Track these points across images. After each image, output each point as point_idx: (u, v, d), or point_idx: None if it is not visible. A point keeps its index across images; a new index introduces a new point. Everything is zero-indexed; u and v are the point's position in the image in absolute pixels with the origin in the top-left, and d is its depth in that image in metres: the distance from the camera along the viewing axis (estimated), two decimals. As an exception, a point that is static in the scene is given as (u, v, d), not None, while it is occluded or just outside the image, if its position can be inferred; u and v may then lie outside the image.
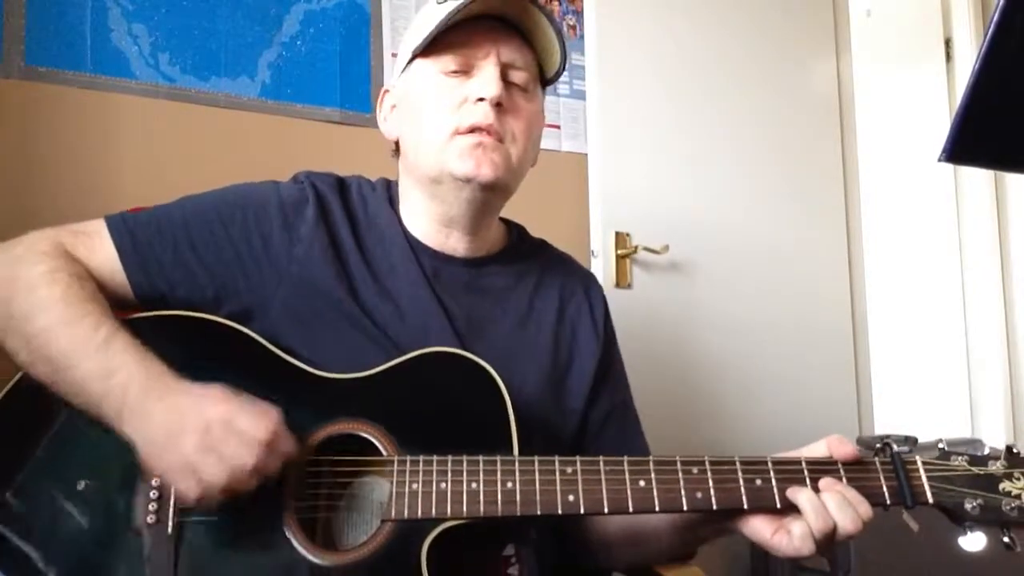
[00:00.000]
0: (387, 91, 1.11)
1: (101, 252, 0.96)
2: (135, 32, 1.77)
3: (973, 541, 0.87)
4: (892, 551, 1.74)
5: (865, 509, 0.85)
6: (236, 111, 1.84)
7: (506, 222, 1.16)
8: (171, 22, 1.80)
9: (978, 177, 2.38)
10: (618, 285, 2.11)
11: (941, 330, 2.41)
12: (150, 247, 0.97)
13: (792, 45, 2.55)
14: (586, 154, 2.17)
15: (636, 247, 2.13)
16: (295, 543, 0.84)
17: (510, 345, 1.04)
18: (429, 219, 1.06)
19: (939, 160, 0.83)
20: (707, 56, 2.35)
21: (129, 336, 0.88)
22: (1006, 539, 0.85)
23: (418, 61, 1.03)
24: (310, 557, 0.83)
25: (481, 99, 0.99)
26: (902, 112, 2.45)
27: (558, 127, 2.20)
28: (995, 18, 0.74)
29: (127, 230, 0.98)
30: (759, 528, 0.86)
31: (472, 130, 0.99)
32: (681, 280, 2.23)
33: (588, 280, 1.17)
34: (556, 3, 2.26)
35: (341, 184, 1.07)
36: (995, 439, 2.20)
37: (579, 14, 2.25)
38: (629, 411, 1.15)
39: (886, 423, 2.35)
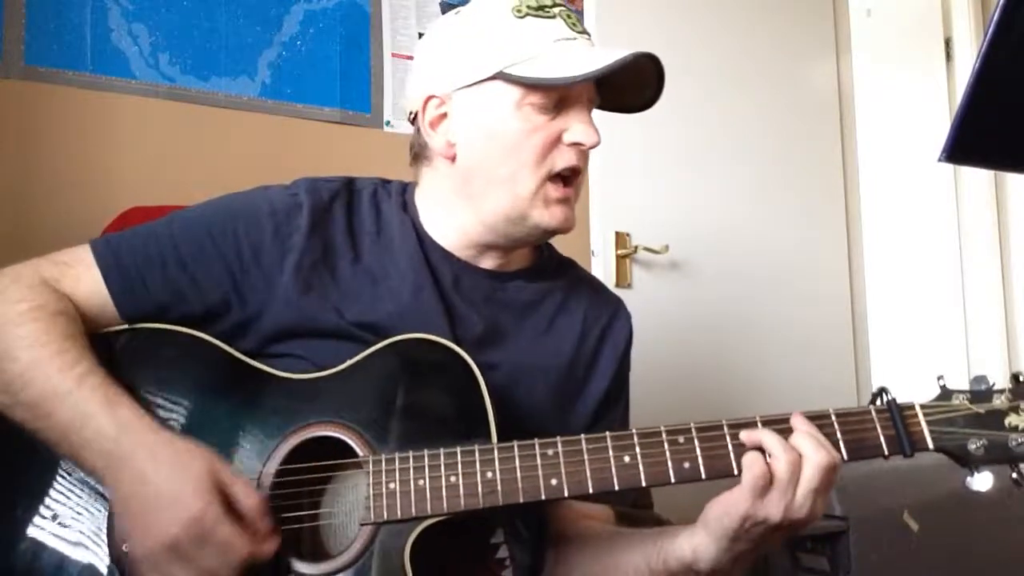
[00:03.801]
0: (433, 96, 0.99)
1: (87, 281, 0.94)
2: (135, 32, 1.77)
3: (981, 481, 0.82)
4: (892, 551, 1.74)
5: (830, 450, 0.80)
6: (236, 111, 1.84)
7: None
8: (171, 22, 1.80)
9: (978, 177, 2.38)
10: (618, 285, 2.11)
11: (941, 329, 2.41)
12: (136, 271, 0.94)
13: (792, 45, 2.55)
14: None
15: (636, 247, 2.13)
16: (277, 555, 0.82)
17: (524, 359, 1.01)
18: (462, 236, 1.02)
19: (939, 160, 0.83)
20: (707, 56, 2.35)
21: (100, 377, 0.86)
22: (1014, 475, 0.81)
23: (500, 83, 0.95)
24: (291, 568, 0.82)
25: (578, 143, 0.96)
26: (902, 112, 2.45)
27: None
28: (995, 17, 0.74)
29: (112, 254, 0.95)
30: (723, 497, 0.81)
31: (563, 175, 0.97)
32: (681, 280, 2.23)
33: (615, 306, 1.13)
34: (556, 3, 2.26)
35: (350, 188, 1.03)
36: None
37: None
38: None
39: (886, 423, 2.35)
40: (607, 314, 1.10)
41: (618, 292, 2.15)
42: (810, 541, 1.78)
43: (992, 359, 2.35)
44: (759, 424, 0.83)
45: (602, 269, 2.08)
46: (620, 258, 2.13)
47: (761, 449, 0.81)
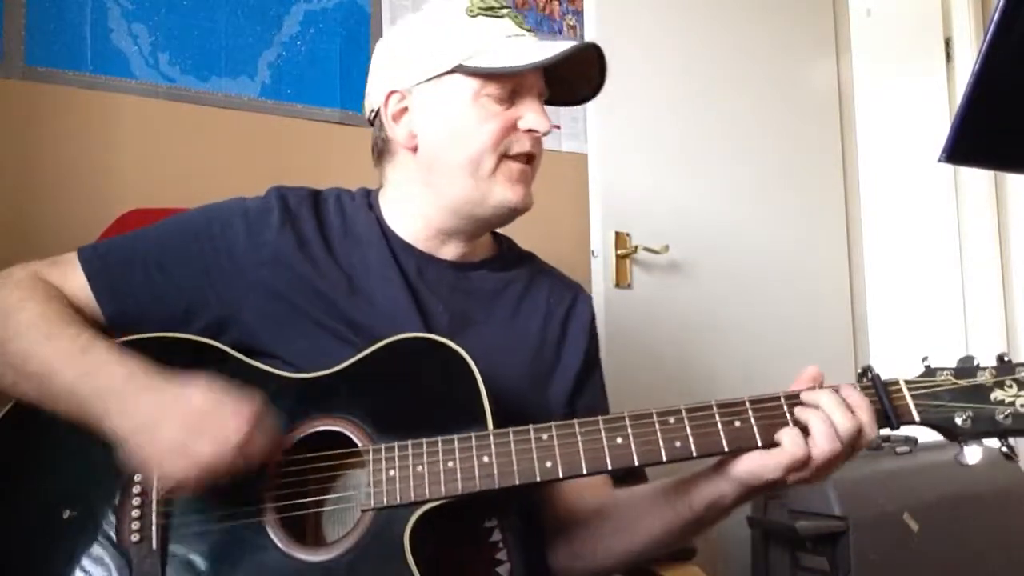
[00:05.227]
0: (395, 92, 1.06)
1: (73, 281, 1.00)
2: (135, 32, 1.77)
3: (970, 455, 0.84)
4: (892, 551, 1.74)
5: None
6: (236, 111, 1.84)
7: (494, 233, 1.18)
8: (171, 22, 1.80)
9: (978, 177, 2.38)
10: (618, 285, 2.11)
11: (941, 330, 2.41)
12: (120, 273, 1.00)
13: (792, 45, 2.55)
14: (586, 154, 2.17)
15: (636, 247, 2.13)
16: (279, 544, 0.84)
17: (494, 344, 1.05)
18: (426, 225, 1.08)
19: (939, 160, 0.83)
20: (707, 56, 2.35)
21: (108, 341, 0.92)
22: (1004, 449, 0.83)
23: (458, 76, 1.02)
24: (293, 556, 0.83)
25: (531, 131, 1.03)
26: (902, 112, 2.45)
27: (558, 127, 2.20)
28: (995, 18, 0.74)
29: (97, 258, 1.02)
30: (756, 460, 0.86)
31: (519, 157, 1.03)
32: (681, 280, 2.23)
33: (576, 290, 1.19)
34: (556, 3, 2.26)
35: (315, 197, 1.09)
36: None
37: (579, 14, 2.25)
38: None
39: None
40: (569, 296, 1.17)
41: (618, 292, 2.17)
42: (810, 541, 1.78)
43: (992, 359, 2.35)
44: (750, 405, 0.90)
45: (602, 269, 2.08)
46: (620, 258, 2.12)
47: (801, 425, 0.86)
